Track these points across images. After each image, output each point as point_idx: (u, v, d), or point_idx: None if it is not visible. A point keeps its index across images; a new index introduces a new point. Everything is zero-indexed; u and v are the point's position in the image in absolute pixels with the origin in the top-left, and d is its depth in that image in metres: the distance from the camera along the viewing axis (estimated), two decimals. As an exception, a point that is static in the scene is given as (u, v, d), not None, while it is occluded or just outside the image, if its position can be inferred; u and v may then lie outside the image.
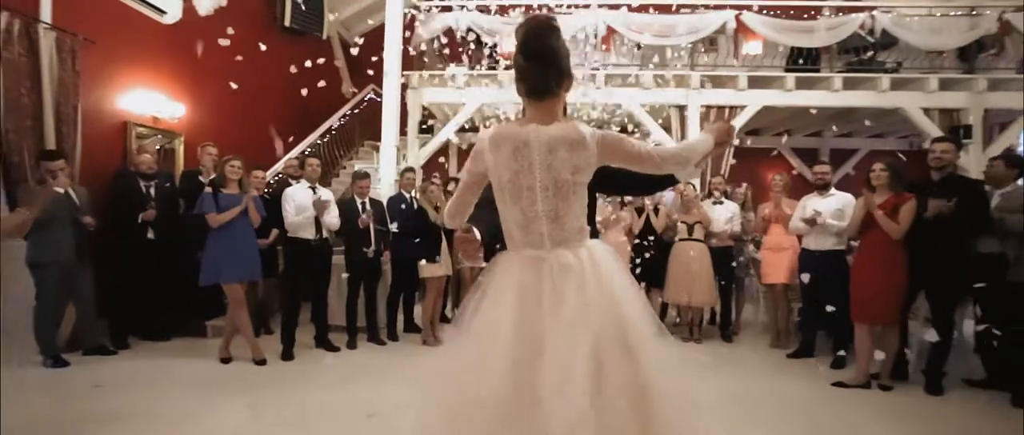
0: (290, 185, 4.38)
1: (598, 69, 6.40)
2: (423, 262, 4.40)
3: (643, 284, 4.66)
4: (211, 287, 3.85)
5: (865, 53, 6.49)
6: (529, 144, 1.35)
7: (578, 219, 1.40)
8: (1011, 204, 3.34)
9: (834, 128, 8.10)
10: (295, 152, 6.63)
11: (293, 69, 4.96)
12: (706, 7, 6.32)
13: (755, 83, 6.40)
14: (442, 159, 7.05)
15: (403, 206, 4.67)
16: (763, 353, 4.51)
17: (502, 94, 6.02)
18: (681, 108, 6.54)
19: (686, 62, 6.69)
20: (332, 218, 4.22)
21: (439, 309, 4.71)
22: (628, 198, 5.18)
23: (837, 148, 8.99)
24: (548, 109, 1.39)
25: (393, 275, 4.68)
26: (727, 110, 6.68)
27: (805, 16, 6.37)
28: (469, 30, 6.26)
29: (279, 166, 6.05)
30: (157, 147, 5.06)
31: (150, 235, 4.32)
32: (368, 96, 8.26)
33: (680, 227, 4.83)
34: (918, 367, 3.63)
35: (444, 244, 4.54)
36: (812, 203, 4.13)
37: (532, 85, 1.38)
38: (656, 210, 4.98)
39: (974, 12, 6.31)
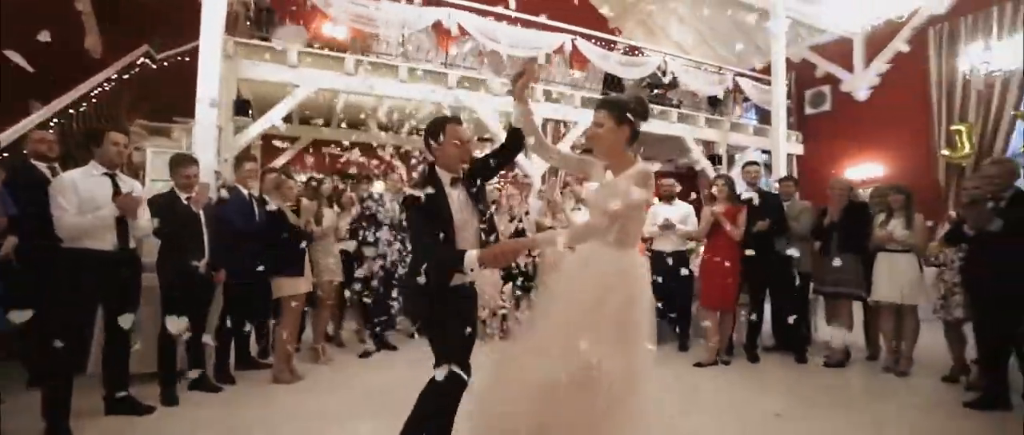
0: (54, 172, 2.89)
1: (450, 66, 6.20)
2: (281, 278, 3.45)
3: (520, 293, 4.67)
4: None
5: (660, 89, 7.92)
6: None
7: None
8: (792, 213, 4.49)
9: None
10: (29, 124, 4.48)
11: None
12: (547, 27, 6.76)
13: (585, 103, 7.14)
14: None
15: (246, 206, 3.60)
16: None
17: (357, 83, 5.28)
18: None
19: (528, 75, 7.02)
20: (145, 222, 2.95)
21: (296, 335, 3.76)
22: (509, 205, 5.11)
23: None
24: None
25: (232, 297, 3.54)
26: (562, 125, 7.28)
27: (623, 52, 7.42)
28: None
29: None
30: None
31: None
32: (140, 60, 6.19)
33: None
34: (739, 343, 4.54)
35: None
36: (663, 211, 4.77)
37: None
38: (526, 216, 5.04)
39: (721, 70, 8.37)
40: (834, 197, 4.25)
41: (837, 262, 4.02)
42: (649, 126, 7.36)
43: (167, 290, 3.13)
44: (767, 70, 8.58)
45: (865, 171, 7.86)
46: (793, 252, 4.27)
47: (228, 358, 3.63)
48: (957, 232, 3.30)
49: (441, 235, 1.92)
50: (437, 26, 6.36)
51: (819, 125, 8.88)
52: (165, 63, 6.93)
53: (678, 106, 7.98)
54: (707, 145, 8.38)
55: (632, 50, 7.60)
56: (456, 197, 2.03)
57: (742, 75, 8.39)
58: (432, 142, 2.06)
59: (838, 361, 4.14)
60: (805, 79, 8.90)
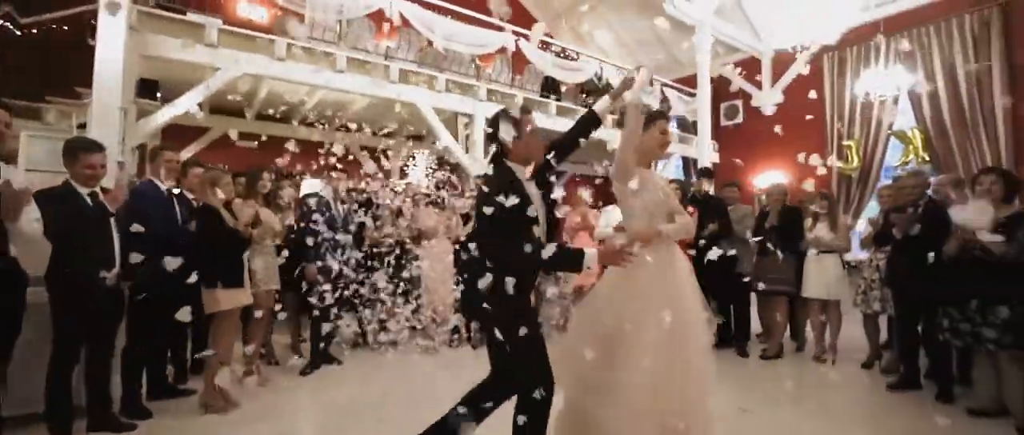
0: None
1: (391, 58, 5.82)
2: (218, 291, 2.94)
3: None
4: None
5: (595, 95, 8.12)
6: None
7: None
8: (736, 216, 4.78)
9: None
10: None
11: None
12: (495, 26, 6.63)
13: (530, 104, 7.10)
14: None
15: (165, 205, 3.04)
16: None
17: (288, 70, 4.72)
18: (468, 116, 6.63)
19: (470, 72, 6.84)
20: (32, 223, 2.35)
21: (232, 353, 3.24)
22: (459, 204, 4.87)
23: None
24: None
25: (142, 316, 2.96)
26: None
27: (564, 56, 7.50)
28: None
29: None
30: None
31: None
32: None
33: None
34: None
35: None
36: (617, 214, 4.84)
37: None
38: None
39: (651, 80, 8.79)
40: (772, 201, 4.60)
41: (780, 260, 4.33)
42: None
43: (61, 308, 2.52)
44: (684, 81, 9.22)
45: (771, 179, 8.67)
46: (733, 252, 4.55)
47: (139, 387, 3.04)
48: (886, 234, 3.69)
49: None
50: (377, 16, 5.96)
51: (732, 136, 9.68)
52: (33, 31, 5.78)
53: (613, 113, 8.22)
54: (636, 151, 8.75)
55: (563, 53, 7.71)
56: (534, 193, 1.94)
57: (667, 85, 8.89)
58: (513, 134, 1.93)
59: (775, 354, 4.47)
60: (721, 93, 9.65)
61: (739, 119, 9.69)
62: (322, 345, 3.93)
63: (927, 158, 6.99)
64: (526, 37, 6.91)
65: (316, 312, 3.71)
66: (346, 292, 3.74)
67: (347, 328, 3.92)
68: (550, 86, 7.85)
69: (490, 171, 1.93)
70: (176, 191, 3.26)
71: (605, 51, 10.65)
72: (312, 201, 4.02)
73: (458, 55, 6.50)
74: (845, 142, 7.72)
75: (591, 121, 2.15)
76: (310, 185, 5.10)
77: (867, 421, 3.13)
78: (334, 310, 3.75)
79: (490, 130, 2.00)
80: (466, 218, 4.78)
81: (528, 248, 1.77)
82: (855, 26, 7.39)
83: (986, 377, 3.17)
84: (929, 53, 6.98)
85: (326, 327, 3.59)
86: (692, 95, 8.81)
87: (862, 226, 4.29)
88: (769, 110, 8.48)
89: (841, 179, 7.77)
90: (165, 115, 4.44)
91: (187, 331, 3.46)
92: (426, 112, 6.11)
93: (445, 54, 6.46)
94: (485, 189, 1.86)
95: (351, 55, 5.50)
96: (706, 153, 7.88)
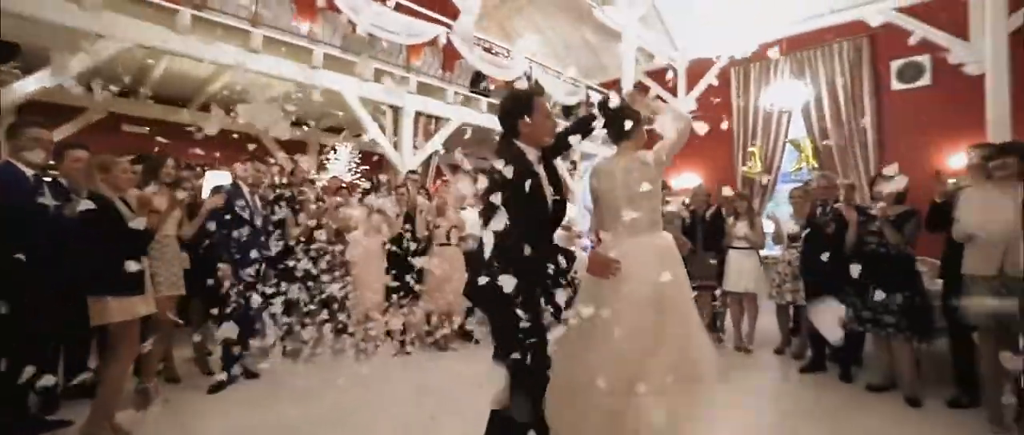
0: None
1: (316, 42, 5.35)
2: (111, 298, 2.45)
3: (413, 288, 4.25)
4: None
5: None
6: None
7: None
8: (666, 217, 4.99)
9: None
10: None
11: None
12: (428, 18, 6.36)
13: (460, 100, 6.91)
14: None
15: (28, 191, 2.48)
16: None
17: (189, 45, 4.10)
18: (395, 109, 6.30)
19: (399, 62, 6.51)
20: None
21: (127, 376, 2.72)
22: (380, 202, 4.56)
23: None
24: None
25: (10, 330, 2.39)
26: (434, 121, 6.93)
27: (493, 52, 7.40)
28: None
29: None
30: None
31: None
32: None
33: (437, 232, 4.66)
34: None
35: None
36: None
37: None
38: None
39: (576, 83, 8.99)
40: (696, 203, 4.85)
41: (705, 258, 4.58)
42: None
43: None
44: (605, 85, 9.56)
45: (686, 180, 9.27)
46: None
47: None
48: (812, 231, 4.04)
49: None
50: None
51: (649, 139, 10.18)
52: None
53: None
54: (562, 151, 8.90)
55: (490, 50, 7.63)
56: (543, 176, 1.96)
57: (592, 88, 9.15)
58: (525, 117, 1.95)
59: (701, 346, 4.72)
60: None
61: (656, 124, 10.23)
62: (236, 357, 3.46)
63: (816, 164, 7.85)
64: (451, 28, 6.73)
65: (228, 319, 3.25)
66: (265, 294, 3.32)
67: (267, 338, 3.48)
68: (479, 82, 7.74)
69: (500, 149, 1.94)
70: (47, 178, 2.68)
71: (532, 51, 10.76)
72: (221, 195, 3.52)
73: (387, 44, 6.15)
74: (750, 148, 8.44)
75: (590, 120, 2.19)
76: (216, 178, 4.53)
77: (783, 398, 3.49)
78: (251, 315, 3.33)
79: (503, 109, 2.02)
80: (409, 218, 4.53)
81: (528, 250, 1.78)
82: (761, 44, 8.09)
83: (880, 357, 3.58)
84: (817, 72, 7.85)
85: (237, 335, 3.15)
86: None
87: (770, 226, 4.68)
88: (683, 116, 9.07)
89: (745, 182, 8.48)
90: (28, 86, 3.67)
91: (59, 347, 2.87)
92: (351, 102, 5.71)
93: (371, 41, 6.09)
94: (498, 167, 1.83)
95: (269, 34, 4.97)
96: (629, 155, 8.20)
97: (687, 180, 9.32)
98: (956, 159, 6.33)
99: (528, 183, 1.82)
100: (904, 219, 3.39)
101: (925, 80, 7.03)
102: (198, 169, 4.88)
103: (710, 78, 8.62)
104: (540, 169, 1.96)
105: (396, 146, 6.21)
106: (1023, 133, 5.46)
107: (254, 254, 3.43)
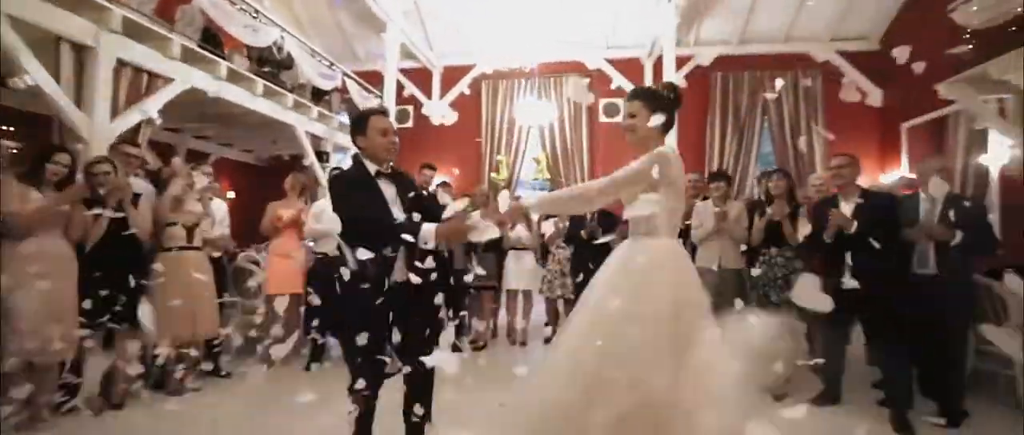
0: None
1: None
2: None
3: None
4: None
5: (276, 68, 6.80)
6: None
7: None
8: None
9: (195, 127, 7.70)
10: None
11: None
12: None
13: (186, 56, 5.21)
14: None
15: None
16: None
17: None
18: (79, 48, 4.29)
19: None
20: None
21: None
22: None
23: (192, 149, 8.50)
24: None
25: None
26: (146, 76, 5.03)
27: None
28: None
29: None
30: None
31: None
32: None
33: (174, 232, 3.41)
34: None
35: None
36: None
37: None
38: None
39: (332, 66, 8.08)
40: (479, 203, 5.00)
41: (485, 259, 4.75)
42: (257, 105, 6.32)
43: None
44: (362, 75, 8.98)
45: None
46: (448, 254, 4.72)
47: None
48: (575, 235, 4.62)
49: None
50: None
51: (404, 138, 10.03)
52: None
53: (292, 91, 7.10)
54: (314, 139, 7.85)
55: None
56: (386, 189, 2.13)
57: (349, 76, 8.41)
58: (359, 135, 2.20)
59: (485, 343, 4.88)
60: (397, 95, 9.86)
61: (409, 123, 10.17)
62: None
63: (549, 176, 9.24)
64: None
65: None
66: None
67: None
68: (210, 40, 6.05)
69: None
70: None
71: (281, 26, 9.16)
72: None
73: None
74: (498, 157, 9.28)
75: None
76: None
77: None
78: None
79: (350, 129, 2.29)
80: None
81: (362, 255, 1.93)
82: (511, 65, 9.00)
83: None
84: (560, 95, 9.23)
85: None
86: (371, 92, 8.69)
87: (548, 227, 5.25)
88: (437, 120, 9.29)
89: (491, 186, 9.29)
90: None
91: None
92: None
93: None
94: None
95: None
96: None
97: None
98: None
99: (366, 183, 2.10)
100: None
101: (619, 117, 9.16)
102: None
103: (462, 87, 9.11)
104: (381, 182, 2.14)
105: (79, 103, 4.25)
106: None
107: None
